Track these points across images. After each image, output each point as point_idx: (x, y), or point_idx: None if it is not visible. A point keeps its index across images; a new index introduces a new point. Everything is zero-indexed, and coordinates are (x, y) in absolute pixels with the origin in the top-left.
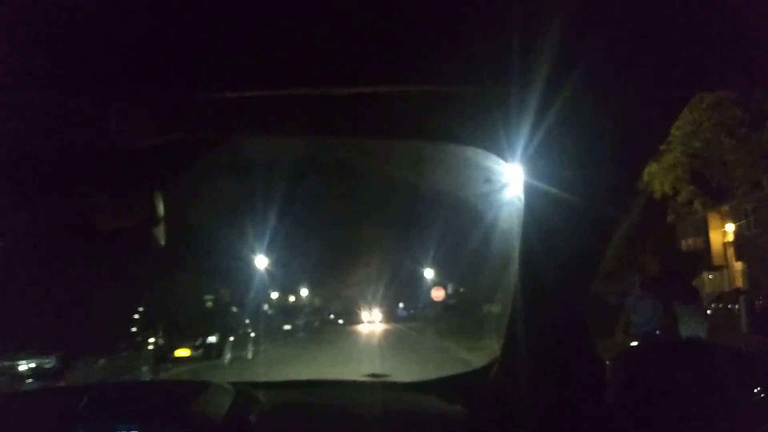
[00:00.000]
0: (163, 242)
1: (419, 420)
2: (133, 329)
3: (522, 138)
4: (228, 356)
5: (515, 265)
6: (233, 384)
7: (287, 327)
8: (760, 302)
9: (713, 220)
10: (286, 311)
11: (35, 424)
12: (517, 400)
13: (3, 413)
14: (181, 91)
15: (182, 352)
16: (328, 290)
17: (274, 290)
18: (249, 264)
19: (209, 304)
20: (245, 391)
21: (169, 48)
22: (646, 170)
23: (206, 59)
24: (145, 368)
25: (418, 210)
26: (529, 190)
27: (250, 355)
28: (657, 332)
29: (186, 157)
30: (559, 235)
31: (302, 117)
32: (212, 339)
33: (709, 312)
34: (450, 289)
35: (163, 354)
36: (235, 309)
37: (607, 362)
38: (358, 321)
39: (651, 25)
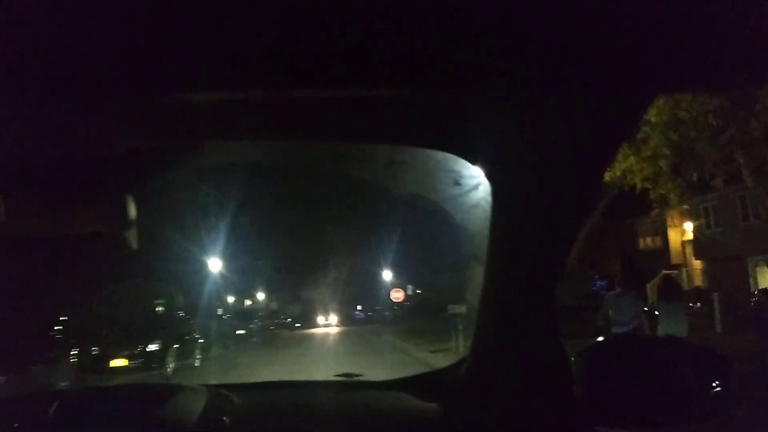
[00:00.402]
0: (135, 246)
1: (393, 417)
2: (60, 338)
3: (488, 140)
4: (171, 365)
5: (483, 266)
6: (206, 386)
7: (241, 332)
8: (756, 300)
9: (671, 219)
10: (239, 315)
11: (6, 427)
12: (488, 396)
13: None
14: (153, 94)
15: (118, 362)
16: (286, 294)
17: (231, 294)
18: (203, 267)
19: (160, 309)
20: (218, 393)
21: (138, 51)
22: (623, 164)
23: (177, 61)
24: (63, 384)
25: (384, 214)
26: (496, 192)
27: (197, 363)
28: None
29: (156, 164)
30: (526, 236)
31: (271, 121)
32: (153, 347)
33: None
34: (410, 291)
35: (97, 365)
36: (182, 314)
37: (572, 358)
38: (316, 324)
39: (613, 26)
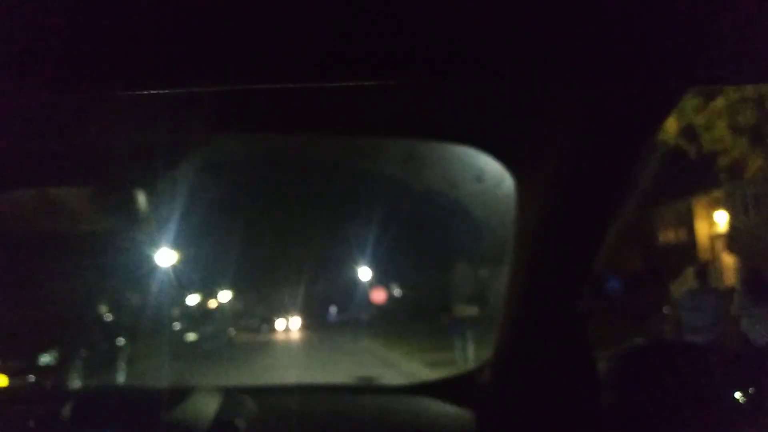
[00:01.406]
0: (145, 239)
1: (412, 422)
2: None
3: (513, 135)
4: (76, 384)
5: (503, 265)
6: (222, 388)
7: (192, 337)
8: None
9: (699, 209)
10: (191, 318)
11: (18, 429)
12: (512, 401)
13: None
14: (165, 85)
15: None
16: (254, 294)
17: (194, 293)
18: (156, 264)
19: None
20: (233, 395)
21: (146, 42)
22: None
23: (189, 53)
24: None
25: (365, 207)
26: (520, 188)
27: (120, 381)
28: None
29: (169, 156)
30: (553, 234)
31: (292, 115)
32: (46, 359)
33: None
34: (396, 291)
35: None
36: (109, 316)
37: (601, 362)
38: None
39: (642, 20)
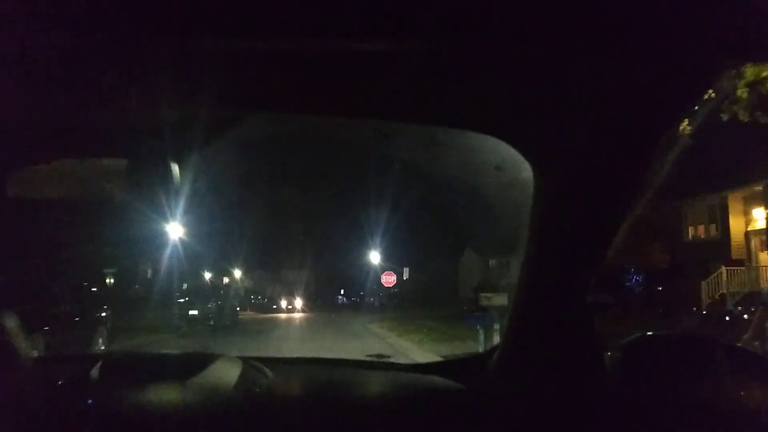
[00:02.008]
0: (174, 216)
1: (422, 396)
2: None
3: (535, 125)
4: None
5: (522, 253)
6: (242, 358)
7: (194, 313)
8: None
9: (734, 205)
10: (193, 293)
11: (44, 389)
12: (519, 383)
13: (11, 379)
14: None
15: None
16: (266, 273)
17: (207, 270)
18: (166, 240)
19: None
20: (253, 364)
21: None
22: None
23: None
24: None
25: (378, 191)
26: (539, 179)
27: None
28: None
29: (202, 133)
30: (568, 226)
31: (319, 96)
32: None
33: (727, 318)
34: (406, 275)
35: None
36: (94, 289)
37: (608, 353)
38: (282, 309)
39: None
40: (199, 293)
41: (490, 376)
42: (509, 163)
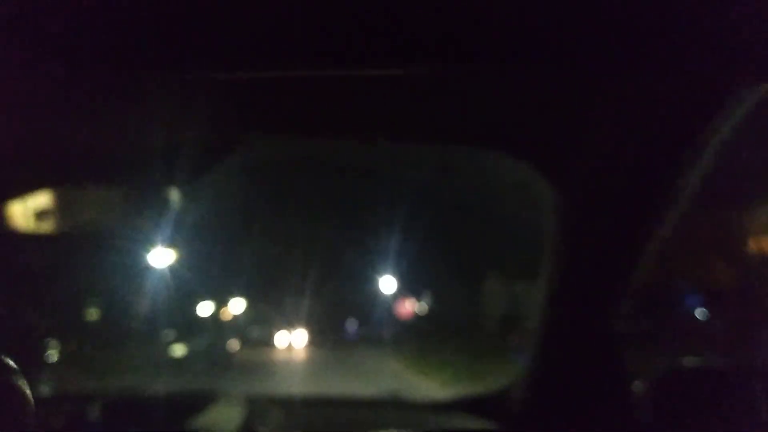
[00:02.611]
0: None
1: None
2: None
3: (554, 144)
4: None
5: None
6: (248, 397)
7: (180, 352)
8: None
9: None
10: (178, 326)
11: (46, 429)
12: (548, 419)
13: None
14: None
15: None
16: (271, 304)
17: (205, 299)
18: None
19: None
20: (259, 404)
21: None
22: None
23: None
24: None
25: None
26: (559, 199)
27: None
28: None
29: (201, 157)
30: (590, 249)
31: (326, 118)
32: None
33: None
34: (430, 302)
35: None
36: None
37: (638, 382)
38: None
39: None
40: (186, 327)
41: (517, 411)
42: (527, 183)
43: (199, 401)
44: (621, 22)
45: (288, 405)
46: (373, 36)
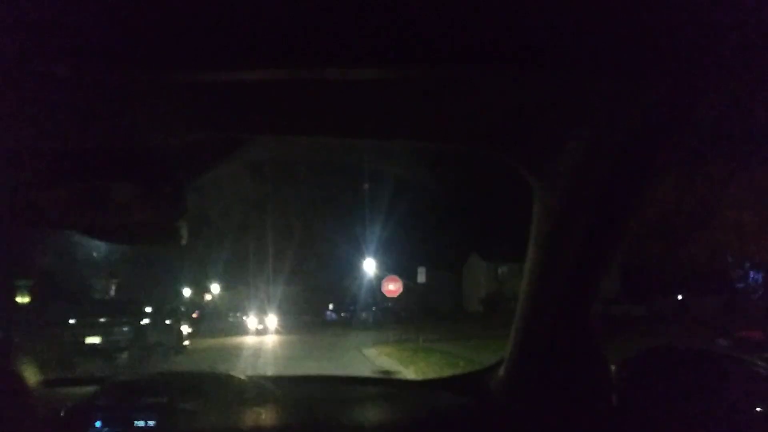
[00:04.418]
0: (185, 237)
1: (429, 412)
2: None
3: (533, 140)
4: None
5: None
6: (248, 377)
7: (93, 341)
8: None
9: None
10: (93, 312)
11: (51, 414)
12: (526, 398)
13: (19, 403)
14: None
15: None
16: (252, 288)
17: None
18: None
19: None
20: (260, 383)
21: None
22: None
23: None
24: None
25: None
26: (539, 191)
27: None
28: None
29: (211, 156)
30: (569, 238)
31: (320, 117)
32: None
33: None
34: (422, 277)
35: None
36: None
37: (614, 366)
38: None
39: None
40: (105, 312)
41: (496, 391)
42: (510, 178)
43: (203, 382)
44: (594, 26)
45: (285, 383)
46: (364, 36)
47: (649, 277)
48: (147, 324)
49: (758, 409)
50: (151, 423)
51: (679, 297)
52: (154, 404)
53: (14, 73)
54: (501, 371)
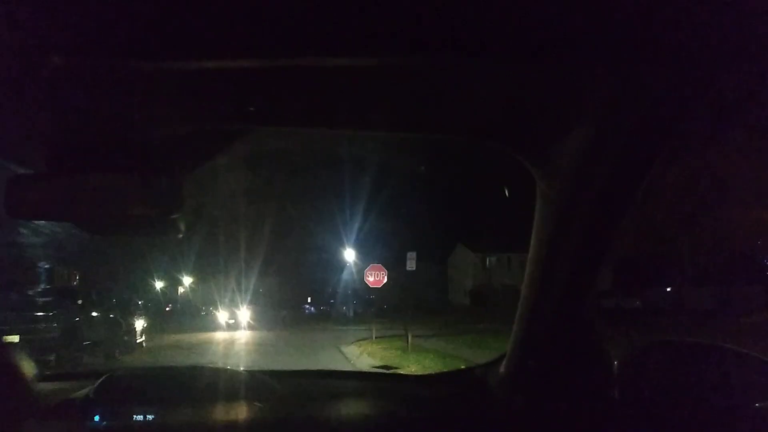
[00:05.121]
0: (183, 230)
1: (429, 406)
2: None
3: (535, 133)
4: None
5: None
6: (247, 371)
7: (11, 339)
8: None
9: None
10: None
11: (50, 406)
12: (527, 393)
13: (17, 396)
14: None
15: None
16: (229, 281)
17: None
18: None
19: None
20: (258, 377)
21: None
22: None
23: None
24: None
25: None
26: (542, 186)
27: None
28: None
29: (207, 148)
30: (570, 232)
31: (319, 109)
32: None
33: None
34: (411, 263)
35: None
36: None
37: (616, 361)
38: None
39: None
40: (33, 306)
41: (497, 386)
42: (511, 171)
43: (201, 376)
44: (598, 17)
45: (285, 378)
46: (366, 25)
47: (642, 269)
48: (82, 319)
49: (758, 405)
50: (150, 417)
51: (668, 289)
52: (152, 398)
53: (11, 66)
54: (502, 366)
